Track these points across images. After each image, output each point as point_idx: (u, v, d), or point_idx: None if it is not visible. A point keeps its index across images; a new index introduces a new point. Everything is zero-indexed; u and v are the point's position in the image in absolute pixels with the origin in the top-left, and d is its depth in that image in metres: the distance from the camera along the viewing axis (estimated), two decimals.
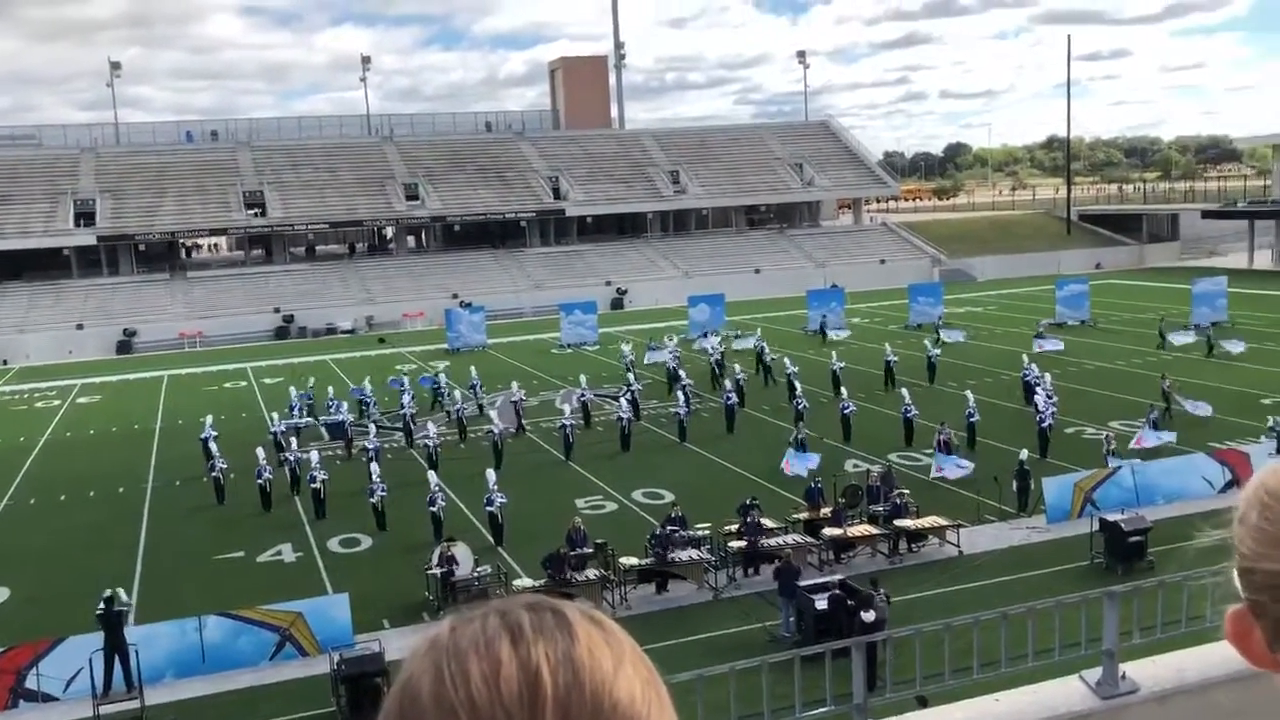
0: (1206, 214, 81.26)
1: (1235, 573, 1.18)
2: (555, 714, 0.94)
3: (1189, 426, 29.67)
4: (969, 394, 31.13)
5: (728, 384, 34.89)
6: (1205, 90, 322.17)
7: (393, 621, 19.58)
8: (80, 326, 62.27)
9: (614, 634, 1.03)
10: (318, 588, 21.48)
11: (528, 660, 0.96)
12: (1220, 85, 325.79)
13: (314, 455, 28.27)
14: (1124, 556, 20.12)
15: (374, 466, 26.57)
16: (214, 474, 28.04)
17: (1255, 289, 58.53)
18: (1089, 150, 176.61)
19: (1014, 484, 24.11)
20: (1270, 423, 26.76)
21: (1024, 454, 24.84)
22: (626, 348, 43.86)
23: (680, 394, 33.62)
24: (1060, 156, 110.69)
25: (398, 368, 46.56)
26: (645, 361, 43.57)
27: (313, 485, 26.60)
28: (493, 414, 30.96)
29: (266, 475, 27.23)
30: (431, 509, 24.15)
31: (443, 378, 40.94)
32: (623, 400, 33.78)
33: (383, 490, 25.40)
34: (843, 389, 33.38)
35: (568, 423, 31.01)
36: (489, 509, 24.08)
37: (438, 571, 20.31)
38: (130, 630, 17.77)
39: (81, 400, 46.35)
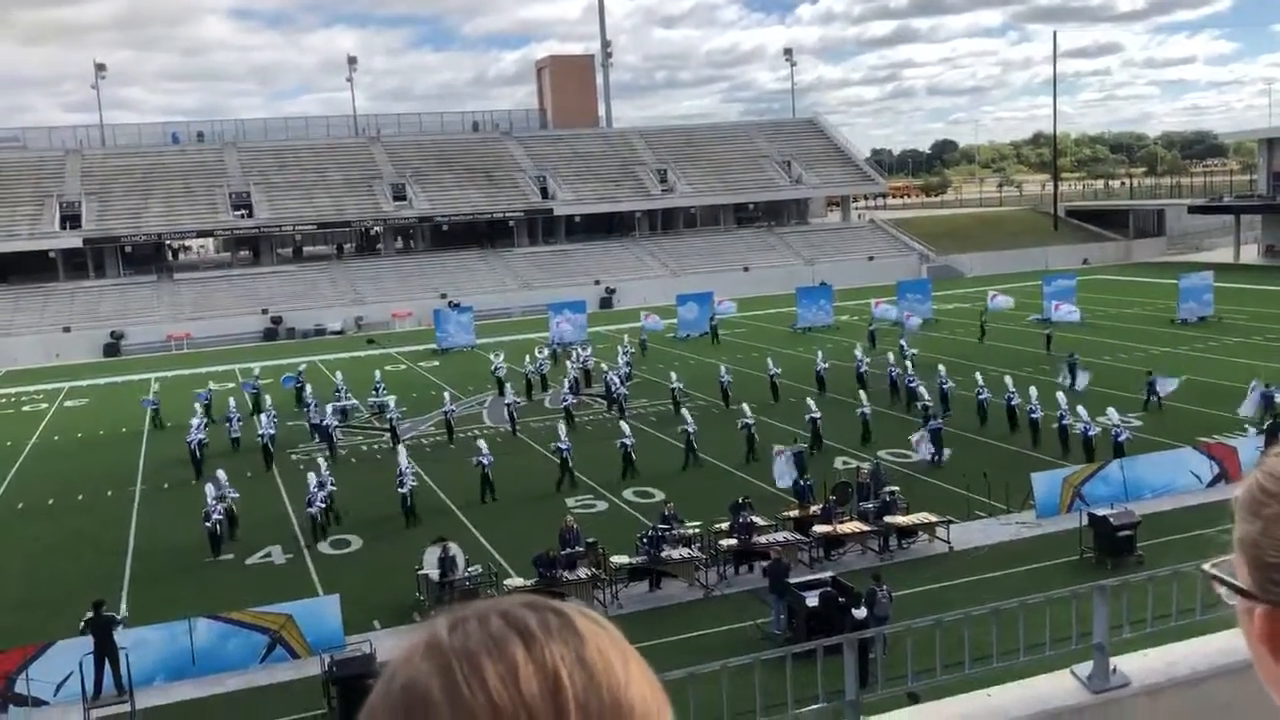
0: (1193, 209, 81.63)
1: (1241, 571, 1.15)
2: (578, 716, 0.92)
3: (1177, 420, 29.85)
4: (977, 375, 32.35)
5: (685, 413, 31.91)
6: (1190, 86, 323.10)
7: (384, 622, 19.53)
8: (67, 329, 61.99)
9: (616, 635, 1.01)
10: (308, 589, 21.43)
11: (544, 661, 0.94)
12: (1205, 80, 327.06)
13: (311, 477, 26.34)
14: (1113, 551, 20.19)
15: (400, 459, 26.73)
16: (208, 523, 24.28)
17: (1241, 283, 58.79)
18: (1076, 146, 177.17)
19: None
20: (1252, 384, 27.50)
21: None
22: (498, 358, 41.86)
23: (686, 412, 31.88)
24: (1047, 153, 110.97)
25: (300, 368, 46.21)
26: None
27: (310, 509, 25.24)
28: (482, 444, 28.76)
29: (319, 504, 25.09)
30: (309, 510, 24.82)
31: (310, 386, 39.41)
32: (624, 427, 30.28)
33: (413, 481, 25.79)
34: (862, 392, 32.77)
35: (485, 460, 27.39)
36: (401, 490, 25.29)
37: (435, 572, 20.24)
38: (120, 634, 17.70)
39: (69, 403, 46.14)
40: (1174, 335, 45.08)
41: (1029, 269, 70.73)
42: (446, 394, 36.54)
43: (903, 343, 40.33)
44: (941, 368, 34.36)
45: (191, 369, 52.01)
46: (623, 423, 30.76)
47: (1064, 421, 27.85)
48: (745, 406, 31.04)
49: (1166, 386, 32.03)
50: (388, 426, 34.24)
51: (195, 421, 33.49)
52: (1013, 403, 30.35)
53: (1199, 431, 28.22)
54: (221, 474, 26.91)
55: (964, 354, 41.54)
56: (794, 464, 25.36)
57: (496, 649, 0.95)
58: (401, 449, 28.47)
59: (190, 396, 39.53)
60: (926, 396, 31.80)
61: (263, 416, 33.86)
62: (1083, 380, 33.79)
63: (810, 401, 31.40)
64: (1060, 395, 29.32)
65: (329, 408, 35.48)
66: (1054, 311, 47.42)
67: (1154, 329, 46.71)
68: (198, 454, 31.56)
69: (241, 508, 25.97)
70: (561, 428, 30.11)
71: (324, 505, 25.40)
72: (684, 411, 31.79)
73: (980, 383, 31.86)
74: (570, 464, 28.14)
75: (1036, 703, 6.02)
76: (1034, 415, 28.89)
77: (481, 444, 28.50)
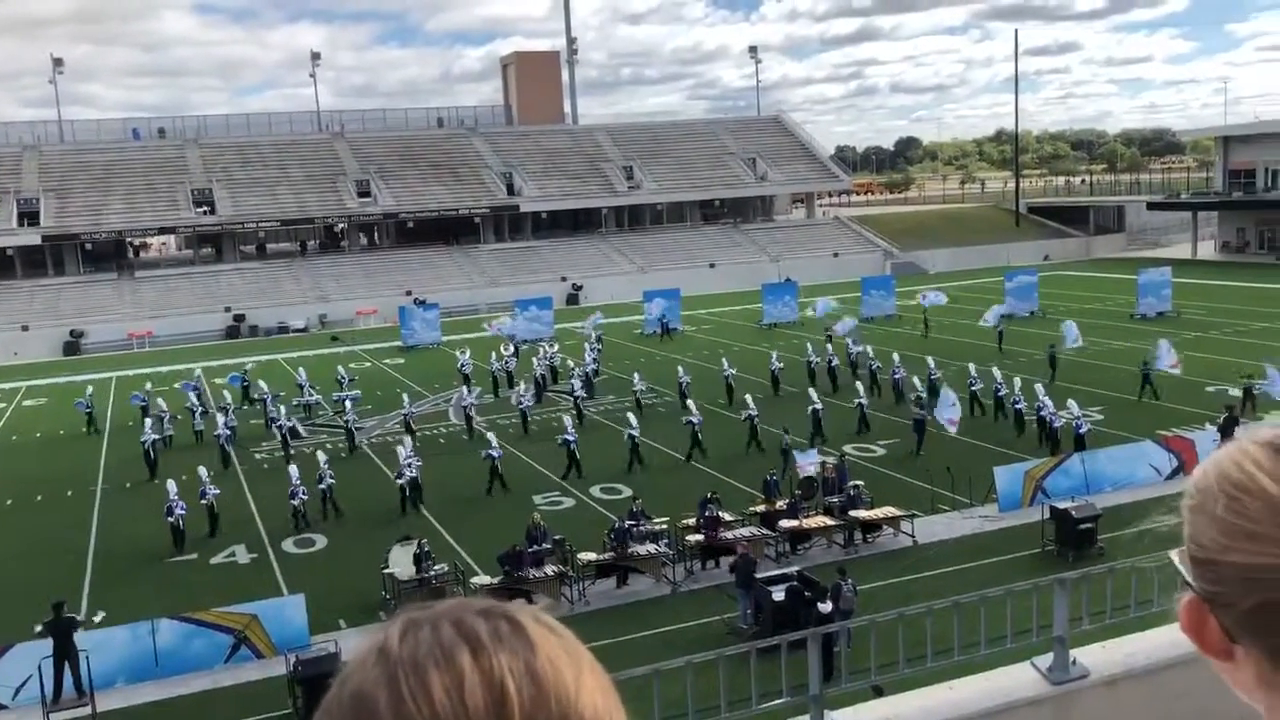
0: (1151, 205, 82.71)
1: (1184, 563, 1.17)
2: None
3: (1137, 414, 30.26)
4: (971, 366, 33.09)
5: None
6: (1148, 84, 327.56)
7: (349, 621, 19.45)
8: (25, 328, 61.10)
9: (570, 642, 1.00)
10: (273, 589, 21.28)
11: (490, 672, 0.93)
12: (1162, 79, 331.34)
13: (293, 470, 26.60)
14: (1074, 543, 20.44)
15: (400, 449, 27.12)
16: (170, 518, 24.33)
17: (1199, 279, 59.59)
18: (1037, 143, 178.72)
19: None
20: (1223, 417, 26.60)
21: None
22: (464, 355, 42.04)
23: (691, 403, 31.54)
24: (1009, 150, 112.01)
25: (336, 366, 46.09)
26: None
27: (293, 501, 25.50)
28: (491, 437, 28.85)
29: (302, 496, 25.39)
30: (292, 501, 25.14)
31: (263, 385, 38.63)
32: (631, 418, 30.07)
33: (411, 471, 26.16)
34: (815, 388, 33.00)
35: (495, 453, 27.63)
36: (399, 481, 25.92)
37: (409, 569, 20.15)
38: (81, 635, 17.49)
39: (28, 403, 45.50)
40: (1133, 330, 45.63)
41: (991, 265, 71.33)
42: (405, 396, 36.01)
43: (848, 341, 40.35)
44: (931, 360, 34.83)
45: (153, 367, 51.44)
46: (630, 414, 30.64)
47: (1042, 413, 28.33)
48: (748, 398, 31.05)
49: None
50: (344, 426, 33.68)
51: (149, 422, 33.01)
52: (1000, 393, 31.06)
53: (1158, 425, 28.61)
54: (203, 470, 26.89)
55: (922, 349, 41.77)
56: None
57: (444, 659, 0.94)
58: (407, 439, 28.74)
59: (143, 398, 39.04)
60: (919, 387, 32.25)
61: (219, 416, 33.52)
62: (1072, 334, 36.50)
63: (811, 393, 31.73)
64: (1038, 386, 29.87)
65: (281, 407, 34.99)
66: (987, 319, 46.68)
67: (1114, 324, 47.24)
68: (151, 454, 31.26)
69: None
70: (566, 419, 30.13)
71: (317, 499, 25.82)
72: (690, 403, 31.49)
73: (973, 374, 32.51)
74: (578, 455, 28.23)
75: (998, 695, 6.10)
76: (1019, 406, 29.65)
77: (491, 437, 28.78)
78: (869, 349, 38.35)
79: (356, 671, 0.97)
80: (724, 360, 37.94)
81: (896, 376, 34.47)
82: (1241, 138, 77.08)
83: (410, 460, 26.45)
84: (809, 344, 40.12)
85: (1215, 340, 42.51)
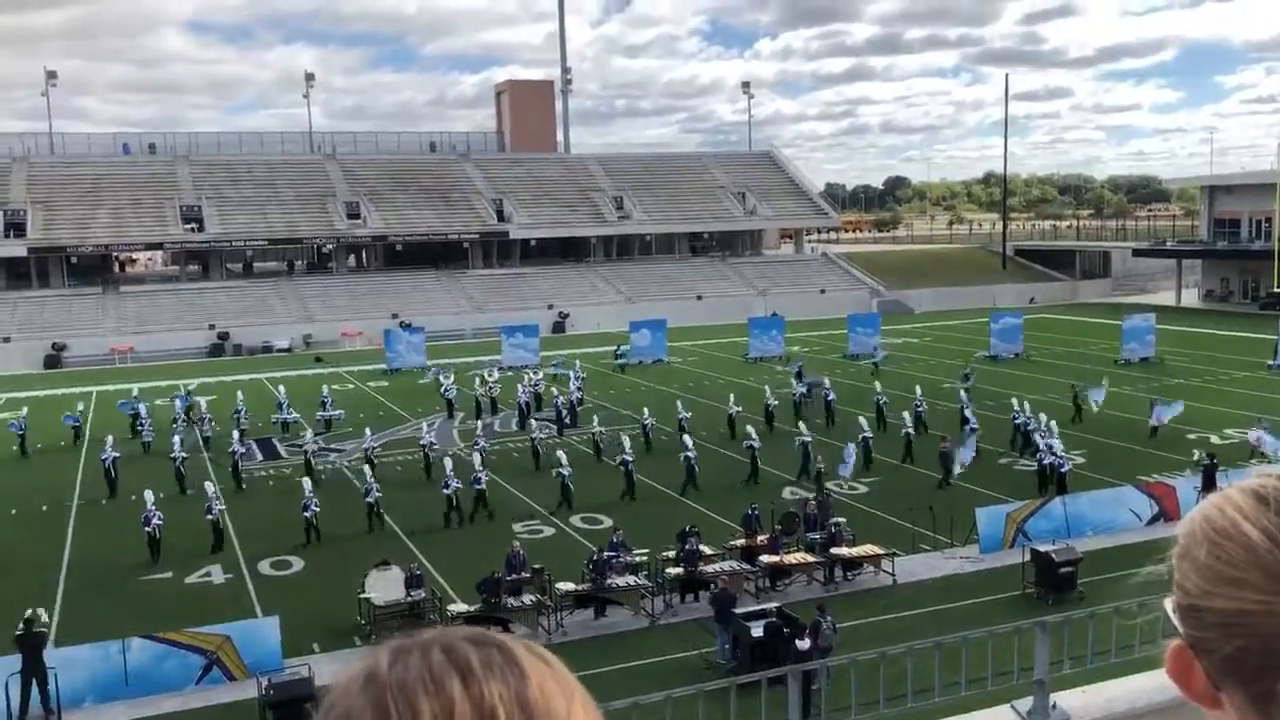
0: (1137, 252, 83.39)
1: (1171, 609, 1.17)
2: None
3: (1117, 460, 30.34)
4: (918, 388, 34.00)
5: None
6: (1136, 131, 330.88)
7: (323, 646, 19.26)
8: (7, 339, 60.74)
9: (562, 672, 0.99)
10: (247, 610, 21.08)
11: (481, 700, 0.92)
12: (1150, 127, 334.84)
13: (306, 483, 27.04)
14: (1055, 587, 20.43)
15: (447, 461, 28.04)
16: (148, 528, 24.45)
17: (1183, 326, 59.98)
18: (1025, 187, 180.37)
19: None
20: (1196, 456, 27.45)
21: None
22: (447, 380, 41.97)
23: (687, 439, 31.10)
24: (997, 192, 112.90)
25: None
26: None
27: (305, 514, 25.55)
28: (561, 455, 28.77)
29: (314, 508, 25.54)
30: (305, 514, 25.45)
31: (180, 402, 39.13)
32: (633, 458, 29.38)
33: (457, 483, 26.72)
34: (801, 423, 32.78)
35: (565, 471, 27.94)
36: (445, 491, 26.41)
37: (397, 593, 20.00)
38: (51, 653, 17.27)
39: (5, 415, 45.09)
40: (1116, 375, 45.83)
41: (977, 306, 71.66)
42: (367, 429, 34.91)
43: (806, 383, 40.34)
44: (964, 393, 35.10)
45: (134, 383, 51.07)
46: (686, 436, 30.93)
47: (1042, 455, 28.49)
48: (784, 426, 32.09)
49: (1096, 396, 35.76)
50: (302, 451, 32.81)
51: (110, 439, 32.59)
52: (1029, 427, 31.53)
53: (1139, 470, 28.69)
54: (209, 486, 26.92)
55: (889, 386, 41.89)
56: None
57: (434, 685, 0.92)
58: (476, 456, 29.08)
59: (115, 412, 38.85)
60: (972, 419, 32.56)
61: (176, 438, 33.10)
62: (1099, 395, 36.29)
63: (862, 421, 31.97)
64: (1054, 424, 30.54)
65: (236, 432, 34.39)
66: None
67: (1098, 368, 47.42)
68: (112, 472, 30.93)
69: (178, 526, 25.48)
70: (625, 440, 30.24)
71: (374, 511, 26.38)
72: (749, 429, 31.71)
73: (1015, 408, 33.00)
74: (635, 476, 28.69)
75: None
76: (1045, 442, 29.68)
77: (561, 455, 28.95)
78: (877, 384, 38.49)
79: (343, 698, 0.95)
80: (678, 403, 37.01)
81: (919, 410, 34.53)
82: (1226, 188, 77.90)
83: (452, 475, 26.88)
84: (767, 387, 39.62)
85: (1198, 388, 42.74)
